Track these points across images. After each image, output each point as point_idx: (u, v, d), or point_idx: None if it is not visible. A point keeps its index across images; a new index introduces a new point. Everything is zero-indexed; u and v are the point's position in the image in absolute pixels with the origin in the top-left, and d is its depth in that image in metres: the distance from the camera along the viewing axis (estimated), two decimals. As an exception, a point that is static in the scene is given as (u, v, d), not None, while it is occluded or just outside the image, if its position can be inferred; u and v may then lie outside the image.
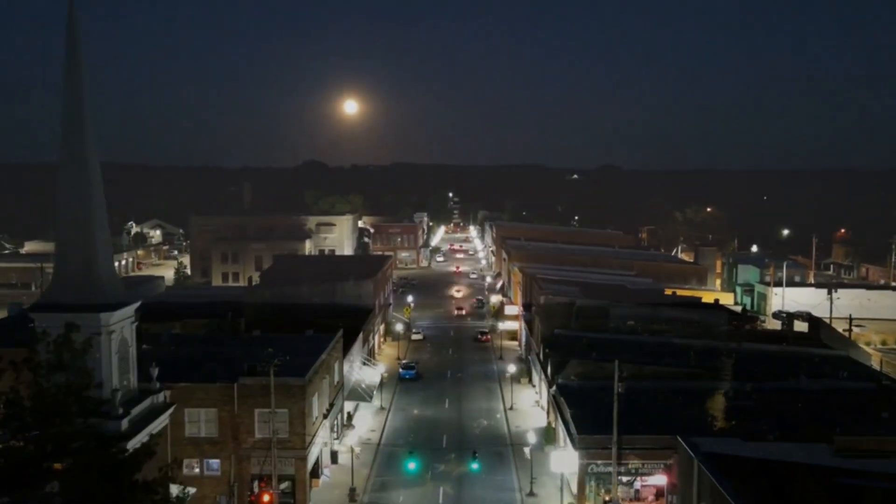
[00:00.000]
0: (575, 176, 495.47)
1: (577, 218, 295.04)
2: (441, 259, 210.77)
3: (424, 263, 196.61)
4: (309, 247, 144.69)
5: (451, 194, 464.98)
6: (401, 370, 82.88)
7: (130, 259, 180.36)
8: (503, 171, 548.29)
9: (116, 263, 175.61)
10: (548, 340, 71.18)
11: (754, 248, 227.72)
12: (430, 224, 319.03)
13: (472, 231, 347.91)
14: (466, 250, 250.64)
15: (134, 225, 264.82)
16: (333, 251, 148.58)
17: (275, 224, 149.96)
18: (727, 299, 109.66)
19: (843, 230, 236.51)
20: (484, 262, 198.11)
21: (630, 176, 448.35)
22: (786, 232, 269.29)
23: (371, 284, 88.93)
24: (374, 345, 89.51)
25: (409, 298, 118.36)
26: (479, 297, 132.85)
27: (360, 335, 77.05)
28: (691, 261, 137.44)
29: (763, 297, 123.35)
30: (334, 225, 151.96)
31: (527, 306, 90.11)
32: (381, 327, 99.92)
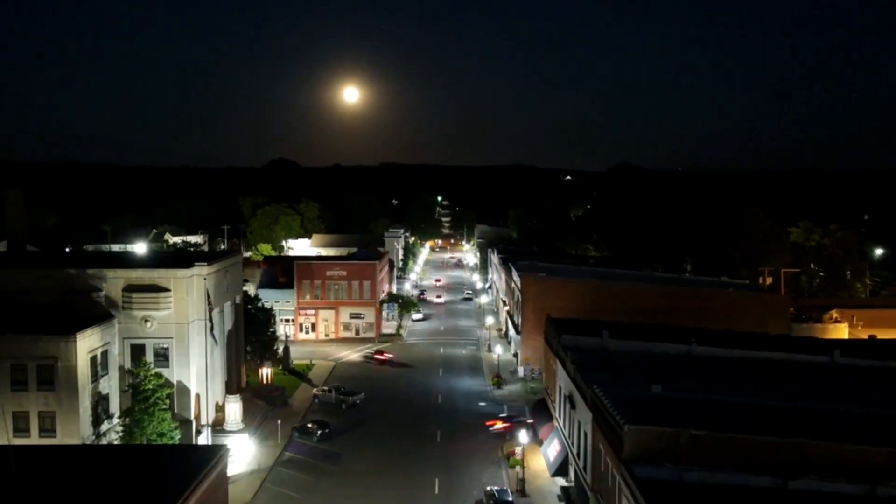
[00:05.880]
0: (568, 177, 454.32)
1: (595, 237, 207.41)
2: (420, 317, 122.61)
3: (390, 328, 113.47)
4: (98, 345, 61.01)
5: (440, 198, 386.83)
6: None
7: None
8: (494, 172, 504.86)
9: None
10: None
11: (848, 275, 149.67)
12: (412, 240, 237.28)
13: (468, 252, 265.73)
14: (463, 288, 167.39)
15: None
16: (166, 350, 66.07)
17: (25, 287, 65.19)
18: None
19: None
20: (494, 342, 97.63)
21: (655, 176, 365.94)
22: (879, 251, 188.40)
23: None
24: None
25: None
26: (494, 491, 50.80)
27: None
28: None
29: None
30: (166, 290, 66.81)
31: None
32: None
